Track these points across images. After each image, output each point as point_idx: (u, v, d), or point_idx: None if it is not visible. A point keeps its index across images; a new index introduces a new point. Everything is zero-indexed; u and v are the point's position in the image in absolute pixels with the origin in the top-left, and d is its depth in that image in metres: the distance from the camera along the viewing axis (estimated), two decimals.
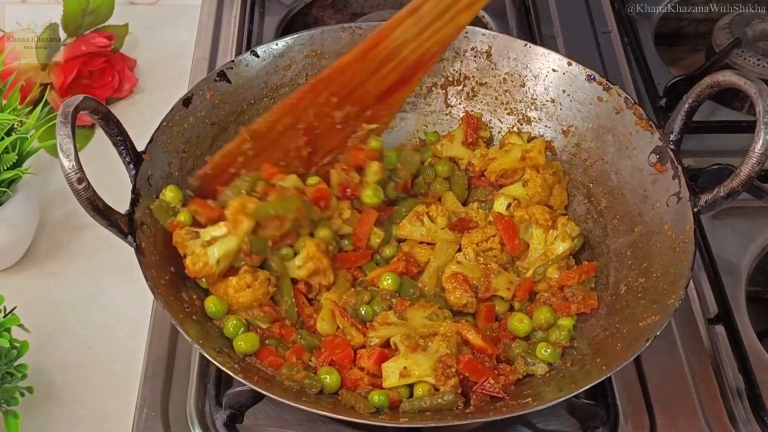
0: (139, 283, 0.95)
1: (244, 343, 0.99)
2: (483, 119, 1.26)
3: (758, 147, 0.92)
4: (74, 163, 0.90)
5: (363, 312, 1.05)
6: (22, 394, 1.04)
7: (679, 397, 1.08)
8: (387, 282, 1.07)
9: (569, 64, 1.18)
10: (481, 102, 1.27)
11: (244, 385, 0.91)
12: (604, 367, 0.92)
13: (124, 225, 0.97)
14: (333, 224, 1.10)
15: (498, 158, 1.19)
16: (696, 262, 1.01)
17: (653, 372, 1.10)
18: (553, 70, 1.19)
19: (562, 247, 1.10)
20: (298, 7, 1.66)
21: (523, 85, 1.23)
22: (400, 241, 1.15)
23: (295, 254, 1.07)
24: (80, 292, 1.24)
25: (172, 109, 1.11)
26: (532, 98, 1.23)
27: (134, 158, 1.03)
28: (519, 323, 1.05)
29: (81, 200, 0.92)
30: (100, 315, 1.21)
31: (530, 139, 1.22)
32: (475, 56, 1.25)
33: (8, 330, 1.02)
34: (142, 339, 1.14)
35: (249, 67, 1.20)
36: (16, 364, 1.03)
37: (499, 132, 1.26)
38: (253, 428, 1.04)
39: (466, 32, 1.22)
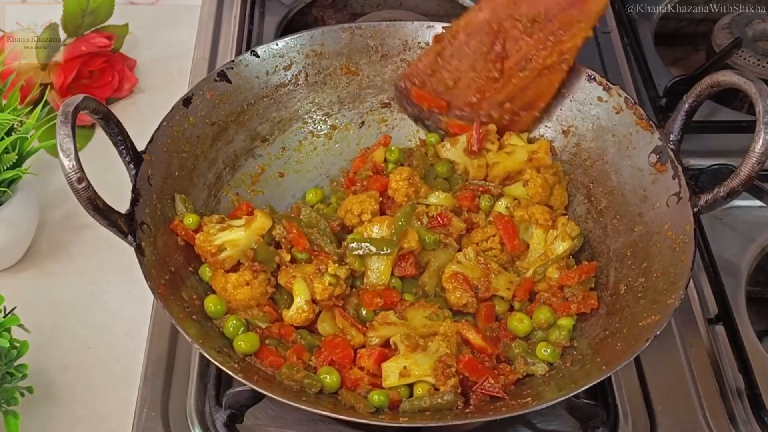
0: (139, 283, 0.95)
1: (244, 342, 0.99)
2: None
3: (758, 147, 0.92)
4: (74, 163, 0.90)
5: (363, 312, 1.05)
6: (22, 394, 1.04)
7: (679, 397, 1.08)
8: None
9: None
10: None
11: (244, 385, 0.92)
12: (604, 367, 0.92)
13: (124, 225, 0.97)
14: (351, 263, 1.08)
15: (501, 162, 1.19)
16: (696, 262, 1.01)
17: (653, 372, 1.10)
18: None
19: (562, 247, 1.10)
20: (298, 7, 1.66)
21: None
22: None
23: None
24: (80, 292, 1.24)
25: (172, 109, 1.11)
26: None
27: (134, 158, 1.03)
28: (519, 323, 1.05)
29: (81, 200, 0.92)
30: (100, 315, 1.21)
31: (530, 141, 1.22)
32: None
33: (8, 330, 1.02)
34: (142, 339, 1.14)
35: (249, 67, 1.20)
36: (16, 364, 1.03)
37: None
38: (253, 428, 1.04)
39: None
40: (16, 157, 1.16)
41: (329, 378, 0.98)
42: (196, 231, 1.06)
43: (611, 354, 0.95)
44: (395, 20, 1.28)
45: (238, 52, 1.51)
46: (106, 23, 1.51)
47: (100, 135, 1.43)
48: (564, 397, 0.90)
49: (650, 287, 1.00)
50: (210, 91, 1.16)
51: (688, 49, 1.77)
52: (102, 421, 1.10)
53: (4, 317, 1.03)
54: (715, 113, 1.44)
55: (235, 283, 1.02)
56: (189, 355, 1.11)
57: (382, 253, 1.05)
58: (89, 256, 1.28)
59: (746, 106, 1.50)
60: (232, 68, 1.18)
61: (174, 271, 1.03)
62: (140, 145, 1.04)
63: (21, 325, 1.05)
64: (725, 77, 0.98)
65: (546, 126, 1.22)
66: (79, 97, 0.93)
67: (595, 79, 1.16)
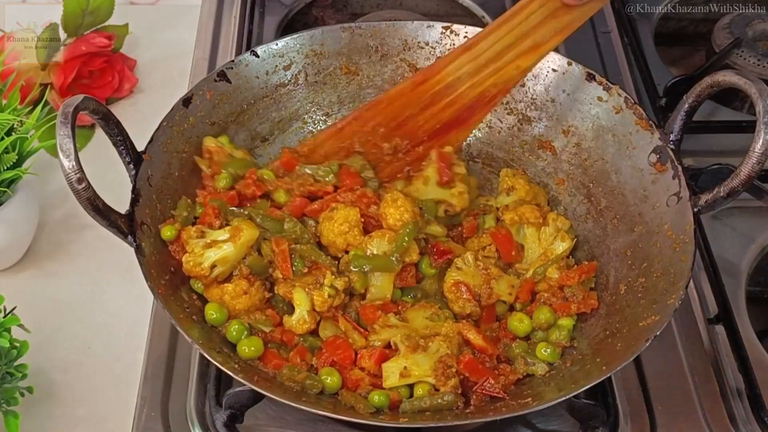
0: (139, 283, 0.95)
1: (248, 347, 0.99)
2: (466, 141, 1.23)
3: (758, 147, 0.92)
4: (74, 163, 0.90)
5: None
6: (22, 394, 1.04)
7: (679, 397, 1.08)
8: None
9: (569, 63, 1.18)
10: None
11: (244, 385, 0.91)
12: (604, 367, 0.92)
13: (124, 225, 0.97)
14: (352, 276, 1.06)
15: (518, 209, 1.14)
16: (696, 262, 1.01)
17: (653, 372, 1.10)
18: (553, 70, 1.19)
19: (561, 247, 1.10)
20: (298, 7, 1.66)
21: (523, 85, 1.22)
22: None
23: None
24: (80, 292, 1.24)
25: (172, 109, 1.11)
26: (532, 98, 1.22)
27: (134, 158, 1.03)
28: (519, 323, 1.05)
29: (81, 200, 0.92)
30: (100, 315, 1.21)
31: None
32: None
33: (8, 330, 1.02)
34: (142, 339, 1.14)
35: (249, 67, 1.20)
36: (16, 364, 1.03)
37: (500, 132, 1.26)
38: (253, 428, 1.04)
39: (467, 33, 1.22)
40: (16, 157, 1.16)
41: (330, 379, 0.98)
42: (176, 242, 1.04)
43: (611, 354, 0.95)
44: (395, 20, 1.28)
45: (238, 52, 1.51)
46: (106, 23, 1.51)
47: (100, 135, 1.43)
48: (564, 398, 0.90)
49: (650, 287, 1.00)
50: (210, 91, 1.16)
51: (688, 49, 1.77)
52: (102, 421, 1.10)
53: (4, 317, 1.03)
54: (715, 113, 1.44)
55: (232, 293, 1.02)
56: (189, 355, 1.11)
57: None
58: (89, 256, 1.28)
59: (746, 106, 1.50)
60: (232, 68, 1.18)
61: (174, 271, 1.03)
62: (140, 145, 1.04)
63: (21, 325, 1.05)
64: (725, 77, 0.98)
65: (545, 125, 1.22)
66: (79, 97, 0.93)
67: (595, 78, 1.16)
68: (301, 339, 1.03)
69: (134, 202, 1.00)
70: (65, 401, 1.11)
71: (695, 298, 1.19)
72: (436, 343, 0.99)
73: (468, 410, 0.95)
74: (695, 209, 1.00)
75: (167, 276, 1.01)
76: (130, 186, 1.02)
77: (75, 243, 1.30)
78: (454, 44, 1.22)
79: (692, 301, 1.18)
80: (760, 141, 0.92)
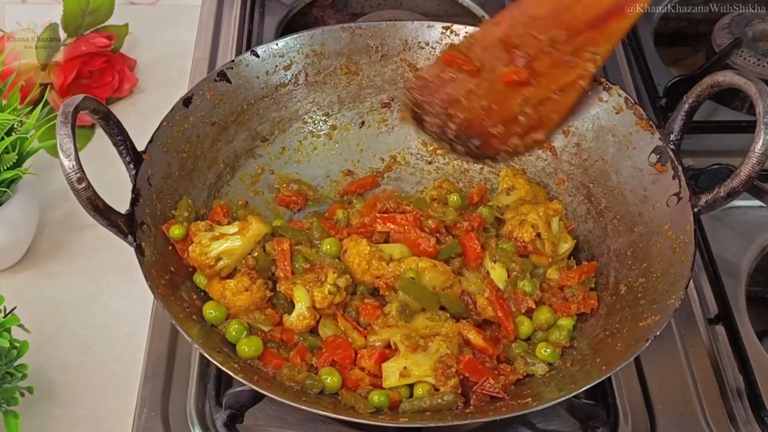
0: (139, 283, 0.95)
1: (248, 347, 0.99)
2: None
3: (758, 147, 0.92)
4: (74, 163, 0.90)
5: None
6: (22, 394, 1.04)
7: (679, 397, 1.08)
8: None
9: None
10: None
11: (244, 385, 0.92)
12: (604, 367, 0.92)
13: (124, 225, 0.97)
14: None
15: (523, 211, 1.14)
16: (696, 262, 1.01)
17: (653, 372, 1.10)
18: None
19: (563, 248, 1.11)
20: (298, 7, 1.66)
21: None
22: None
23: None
24: (80, 292, 1.24)
25: (172, 109, 1.11)
26: None
27: (134, 158, 1.03)
28: (519, 324, 1.05)
29: (81, 200, 0.92)
30: (100, 315, 1.21)
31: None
32: None
33: (8, 330, 1.02)
34: (142, 339, 1.14)
35: (249, 67, 1.20)
36: (16, 364, 1.03)
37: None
38: (253, 428, 1.04)
39: (467, 33, 1.22)
40: (16, 157, 1.16)
41: (330, 379, 0.98)
42: (183, 241, 1.05)
43: (611, 354, 0.95)
44: (395, 20, 1.28)
45: (238, 52, 1.51)
46: (106, 23, 1.52)
47: (100, 135, 1.43)
48: (564, 398, 0.90)
49: (650, 287, 1.00)
50: (210, 91, 1.16)
51: (688, 49, 1.77)
52: (102, 421, 1.10)
53: (4, 317, 1.03)
54: (715, 113, 1.44)
55: (233, 289, 1.02)
56: (189, 355, 1.11)
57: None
58: (89, 256, 1.28)
59: (746, 106, 1.50)
60: (232, 68, 1.18)
61: (174, 271, 1.03)
62: (140, 145, 1.04)
63: (21, 325, 1.05)
64: (725, 77, 0.98)
65: None
66: (79, 97, 0.93)
67: (595, 78, 1.16)
68: (301, 338, 1.03)
69: (134, 202, 1.00)
70: (65, 401, 1.11)
71: (695, 298, 1.19)
72: (436, 343, 0.99)
73: (468, 410, 0.95)
74: (695, 209, 1.00)
75: (167, 276, 1.01)
76: (130, 186, 1.02)
77: (75, 243, 1.30)
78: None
79: (692, 301, 1.18)
80: (760, 141, 0.92)
